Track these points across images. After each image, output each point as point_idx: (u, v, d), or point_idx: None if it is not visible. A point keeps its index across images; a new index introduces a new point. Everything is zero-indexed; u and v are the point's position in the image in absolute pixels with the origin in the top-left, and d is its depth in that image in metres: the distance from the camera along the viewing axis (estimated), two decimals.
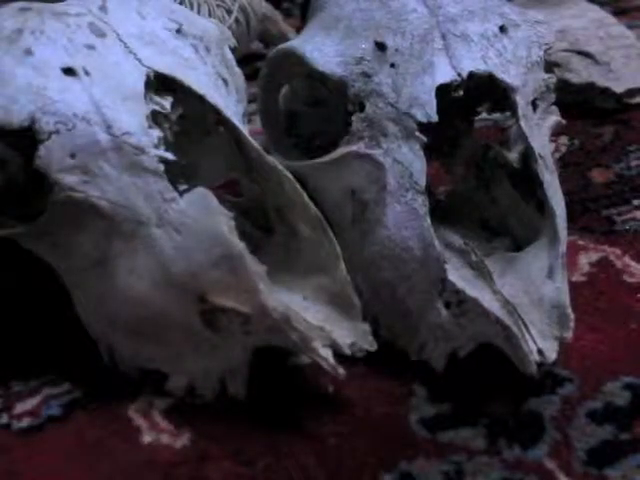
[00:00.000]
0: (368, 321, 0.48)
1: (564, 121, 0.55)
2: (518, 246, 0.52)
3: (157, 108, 0.49)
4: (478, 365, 0.49)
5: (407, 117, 0.49)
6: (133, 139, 0.46)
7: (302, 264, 0.49)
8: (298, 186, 0.49)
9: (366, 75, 0.50)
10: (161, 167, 0.47)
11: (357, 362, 0.47)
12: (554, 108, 0.54)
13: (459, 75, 0.50)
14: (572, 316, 0.48)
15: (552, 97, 0.54)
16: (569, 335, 0.47)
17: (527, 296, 0.48)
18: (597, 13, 0.85)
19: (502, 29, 0.53)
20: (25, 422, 0.48)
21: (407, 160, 0.49)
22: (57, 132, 0.46)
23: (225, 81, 0.53)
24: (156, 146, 0.47)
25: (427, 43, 0.51)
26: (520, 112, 0.51)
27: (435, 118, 0.49)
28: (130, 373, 0.49)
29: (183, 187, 0.50)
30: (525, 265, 0.49)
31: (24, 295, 0.55)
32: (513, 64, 0.52)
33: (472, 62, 0.51)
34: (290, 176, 0.49)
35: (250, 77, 0.60)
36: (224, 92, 0.52)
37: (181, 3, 0.78)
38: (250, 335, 0.46)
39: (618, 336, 0.53)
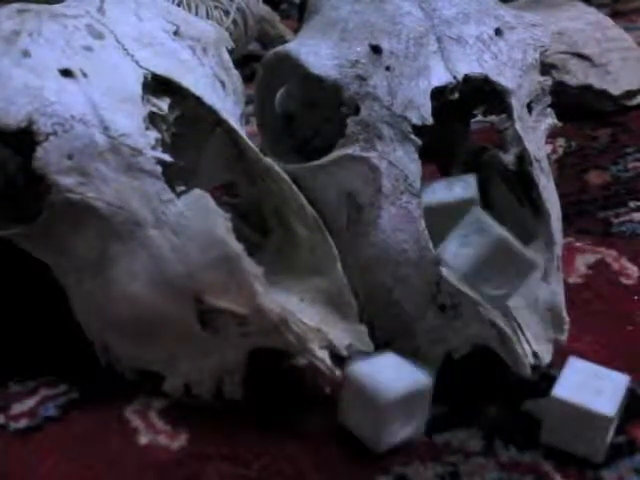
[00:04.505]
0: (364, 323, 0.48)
1: (560, 123, 0.55)
2: None
3: (154, 110, 0.49)
4: (474, 367, 0.49)
5: (402, 120, 0.49)
6: (130, 141, 0.46)
7: (299, 266, 0.49)
8: (295, 188, 0.49)
9: (361, 78, 0.50)
10: (158, 169, 0.47)
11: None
12: (549, 110, 0.54)
13: (454, 78, 0.50)
14: (567, 319, 0.48)
15: (547, 100, 0.54)
16: (564, 337, 0.48)
17: (522, 298, 0.48)
18: (594, 15, 0.85)
19: (497, 32, 0.53)
20: (22, 423, 0.48)
21: (402, 163, 0.49)
22: (54, 133, 0.46)
23: (222, 83, 0.53)
24: (153, 148, 0.47)
25: (422, 46, 0.51)
26: (515, 115, 0.51)
27: (430, 121, 0.50)
28: (127, 374, 0.49)
29: (180, 189, 0.50)
30: None
31: (21, 296, 0.55)
32: (508, 67, 0.52)
33: (467, 65, 0.51)
34: (287, 178, 0.49)
35: (248, 78, 0.60)
36: (221, 94, 0.52)
37: (179, 5, 0.78)
38: (247, 336, 0.46)
39: (614, 338, 0.53)
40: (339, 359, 0.46)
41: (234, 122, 0.51)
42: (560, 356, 0.47)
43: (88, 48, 0.49)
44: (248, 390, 0.48)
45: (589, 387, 0.44)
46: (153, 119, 0.49)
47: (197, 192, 0.46)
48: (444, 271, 0.47)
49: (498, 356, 0.47)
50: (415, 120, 0.49)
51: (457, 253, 0.46)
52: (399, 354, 0.46)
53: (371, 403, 0.44)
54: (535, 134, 0.52)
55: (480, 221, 0.46)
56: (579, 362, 0.46)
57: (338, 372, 0.45)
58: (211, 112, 0.50)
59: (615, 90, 0.79)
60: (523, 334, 0.46)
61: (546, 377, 0.47)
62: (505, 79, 0.51)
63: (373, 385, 0.44)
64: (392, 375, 0.44)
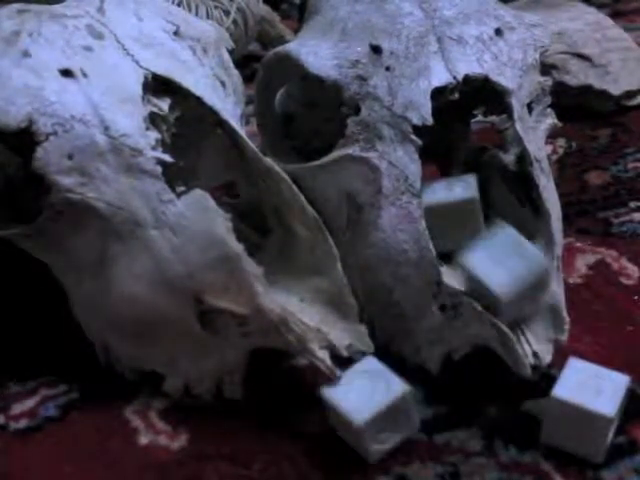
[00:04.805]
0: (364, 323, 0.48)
1: (560, 124, 0.55)
2: None
3: (155, 110, 0.49)
4: (474, 367, 0.49)
5: (402, 120, 0.49)
6: (131, 141, 0.46)
7: (299, 266, 0.49)
8: (295, 188, 0.49)
9: (361, 78, 0.50)
10: (158, 169, 0.47)
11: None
12: (550, 111, 0.54)
13: (455, 78, 0.50)
14: (567, 319, 0.48)
15: (548, 100, 0.54)
16: (564, 338, 0.48)
17: None
18: (594, 15, 0.85)
19: (498, 32, 0.53)
20: (22, 423, 0.48)
21: (402, 163, 0.49)
22: (54, 134, 0.46)
23: (223, 83, 0.53)
24: (154, 148, 0.47)
25: (422, 46, 0.51)
26: (515, 115, 0.51)
27: (430, 121, 0.50)
28: (127, 374, 0.49)
29: (180, 189, 0.50)
30: None
31: (21, 296, 0.55)
32: (509, 67, 0.52)
33: (467, 65, 0.51)
34: (287, 178, 0.49)
35: (248, 79, 0.60)
36: (222, 94, 0.52)
37: (179, 5, 0.78)
38: (247, 336, 0.46)
39: (614, 338, 0.53)
40: (339, 359, 0.46)
41: (234, 122, 0.51)
42: (560, 356, 0.47)
43: (88, 48, 0.49)
44: (248, 390, 0.48)
45: (589, 387, 0.44)
46: (153, 119, 0.49)
47: (197, 192, 0.46)
48: (444, 271, 0.47)
49: (498, 356, 0.47)
50: (415, 120, 0.49)
51: (505, 283, 0.46)
52: (380, 359, 0.46)
53: (349, 426, 0.44)
54: (535, 134, 0.52)
55: (521, 246, 0.46)
56: (579, 362, 0.46)
57: (338, 372, 0.45)
58: (211, 112, 0.50)
59: (615, 90, 0.79)
60: (523, 334, 0.46)
61: (546, 377, 0.47)
62: (505, 79, 0.51)
63: (347, 408, 0.44)
64: (364, 395, 0.44)
